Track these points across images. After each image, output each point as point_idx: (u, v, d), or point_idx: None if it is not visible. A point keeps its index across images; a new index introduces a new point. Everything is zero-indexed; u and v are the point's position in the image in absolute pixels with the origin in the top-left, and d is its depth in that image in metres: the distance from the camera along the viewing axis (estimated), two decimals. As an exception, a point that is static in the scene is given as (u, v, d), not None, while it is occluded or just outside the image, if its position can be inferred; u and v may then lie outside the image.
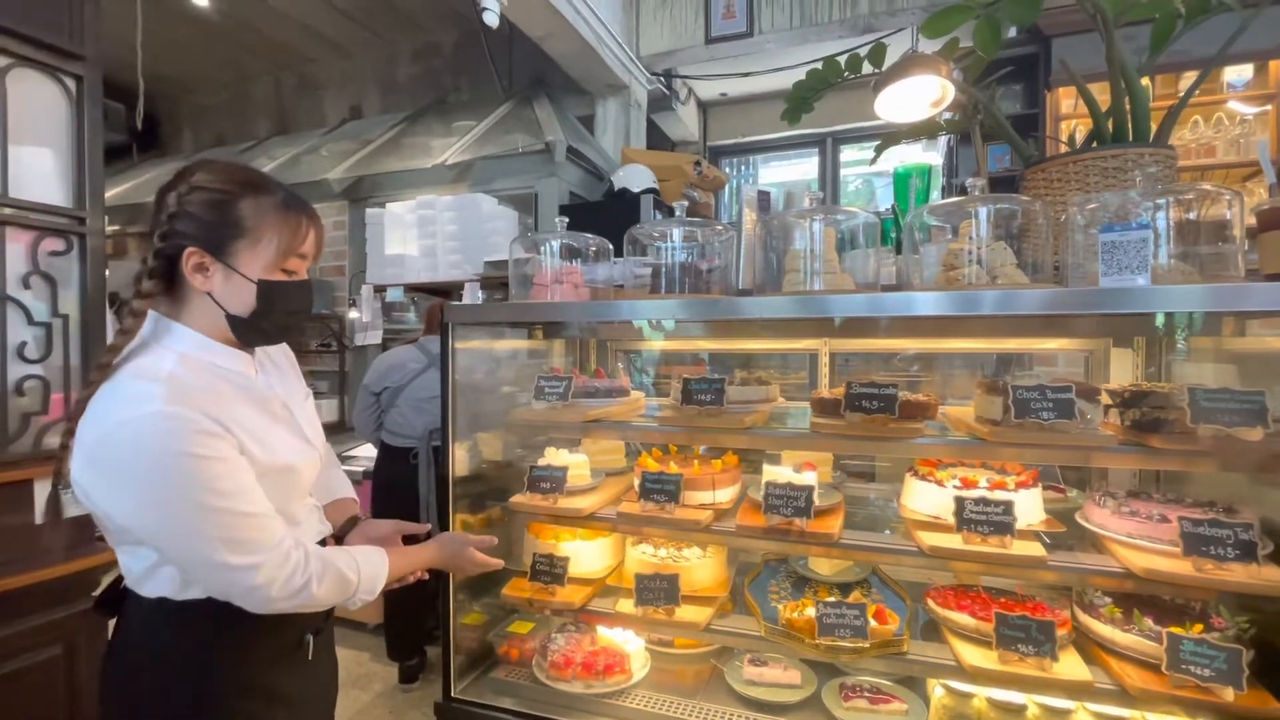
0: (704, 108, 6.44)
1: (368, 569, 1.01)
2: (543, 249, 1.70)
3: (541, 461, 1.71)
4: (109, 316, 1.90)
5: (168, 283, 0.92)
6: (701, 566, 1.63)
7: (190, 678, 0.92)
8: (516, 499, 1.68)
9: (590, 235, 1.78)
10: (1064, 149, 1.54)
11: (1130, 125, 1.47)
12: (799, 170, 6.77)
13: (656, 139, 5.52)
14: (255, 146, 5.50)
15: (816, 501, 1.42)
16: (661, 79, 5.15)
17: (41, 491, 1.63)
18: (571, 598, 1.62)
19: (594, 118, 4.75)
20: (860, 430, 1.37)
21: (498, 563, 1.30)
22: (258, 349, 1.08)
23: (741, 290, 1.62)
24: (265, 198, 0.93)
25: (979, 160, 1.84)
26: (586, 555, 1.73)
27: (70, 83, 1.73)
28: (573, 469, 1.69)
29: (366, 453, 3.54)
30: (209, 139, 6.16)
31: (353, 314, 4.08)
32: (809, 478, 1.50)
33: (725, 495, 1.61)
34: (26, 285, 1.64)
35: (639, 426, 1.62)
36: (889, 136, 2.06)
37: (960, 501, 1.33)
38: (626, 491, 1.76)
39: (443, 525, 1.69)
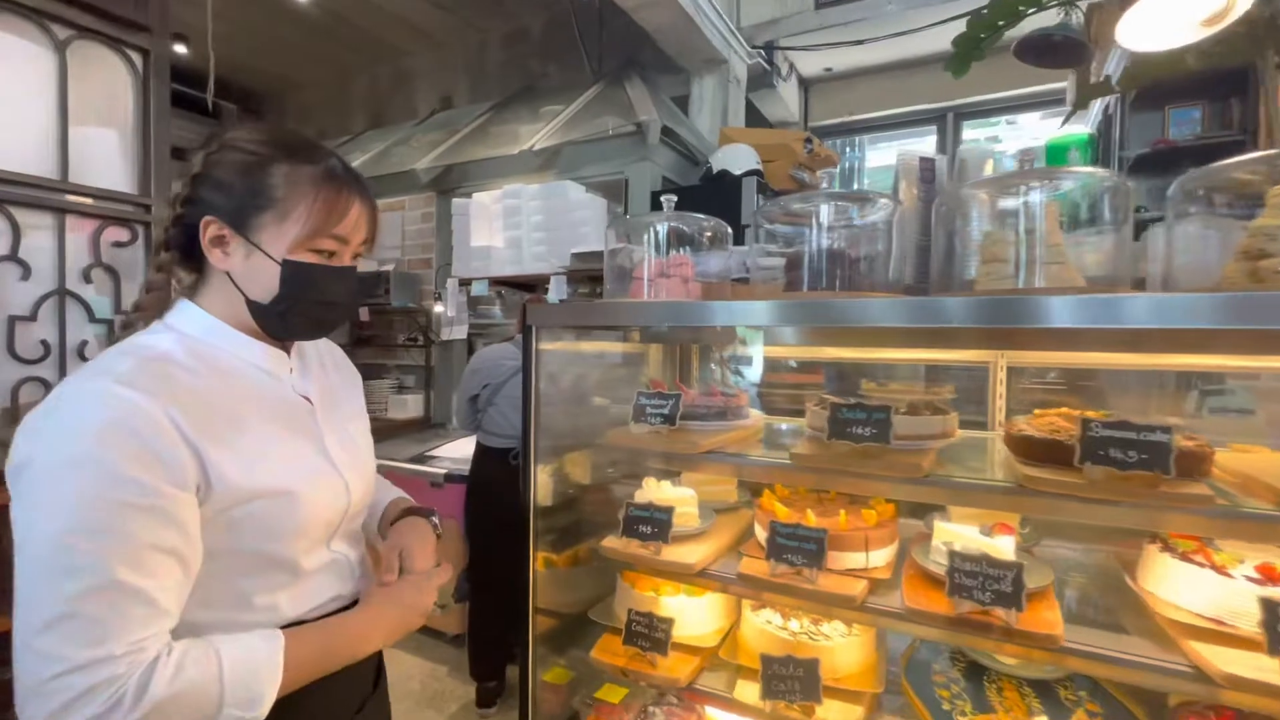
0: (805, 85, 5.92)
1: (237, 677, 0.66)
2: (645, 235, 1.38)
3: (639, 497, 1.39)
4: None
5: (188, 256, 0.80)
6: (847, 648, 1.25)
7: None
8: (610, 543, 1.37)
9: (703, 216, 1.43)
10: None
11: None
12: (911, 151, 6.11)
13: (752, 120, 5.08)
14: (351, 141, 5.55)
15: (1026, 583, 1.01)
16: (762, 53, 4.72)
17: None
18: (676, 672, 1.29)
19: (688, 98, 4.40)
20: (1111, 492, 0.94)
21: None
22: (305, 347, 0.90)
23: (908, 287, 1.22)
24: (305, 166, 0.77)
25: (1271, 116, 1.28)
26: (692, 614, 1.40)
27: (136, 57, 1.59)
28: (678, 508, 1.36)
29: (450, 453, 3.39)
30: (311, 134, 6.31)
31: (438, 308, 3.96)
32: (1006, 546, 1.08)
33: (881, 557, 1.22)
34: (88, 279, 1.51)
35: (769, 464, 1.24)
36: (1093, 87, 1.57)
37: (1273, 608, 0.88)
38: (745, 540, 1.41)
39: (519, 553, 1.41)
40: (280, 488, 0.74)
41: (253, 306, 0.77)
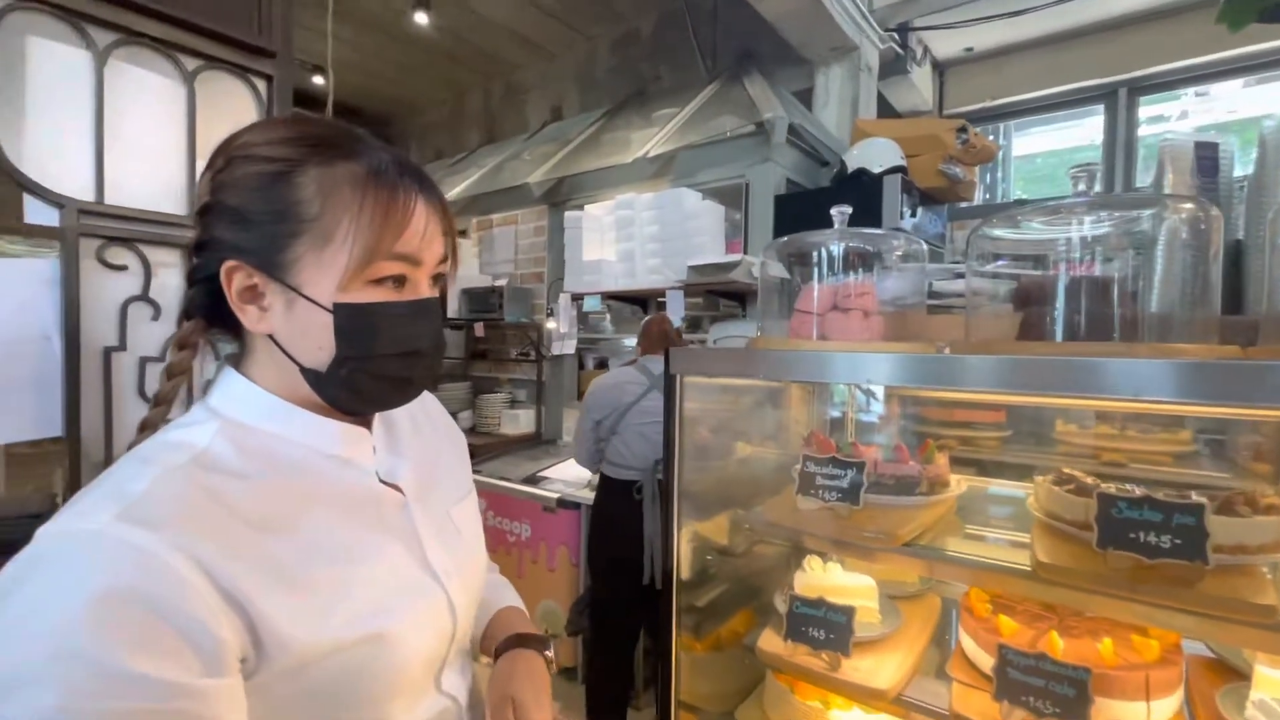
0: (940, 69, 5.37)
1: None
2: (814, 258, 1.10)
3: (802, 584, 1.12)
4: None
5: (221, 319, 0.58)
6: (1108, 825, 0.91)
7: None
8: (770, 645, 1.11)
9: (884, 232, 1.14)
10: None
11: None
12: (1069, 136, 5.36)
13: (881, 112, 4.64)
14: (467, 157, 5.68)
15: None
16: (895, 36, 4.26)
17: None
18: (857, 819, 1.01)
19: (810, 92, 4.05)
20: None
21: None
22: (385, 416, 0.68)
23: (1224, 334, 0.85)
24: (341, 165, 0.54)
25: None
26: (870, 734, 1.11)
27: (260, 84, 1.53)
28: (856, 602, 1.07)
29: (562, 474, 3.28)
30: (430, 154, 6.57)
31: (550, 323, 3.89)
32: None
33: (1167, 708, 0.87)
34: (214, 316, 1.47)
35: (1002, 571, 0.91)
36: None
37: None
38: (939, 641, 1.09)
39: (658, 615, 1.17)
40: (366, 632, 0.53)
41: (309, 376, 0.56)
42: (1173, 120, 4.82)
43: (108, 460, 1.32)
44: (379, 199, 0.54)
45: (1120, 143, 4.79)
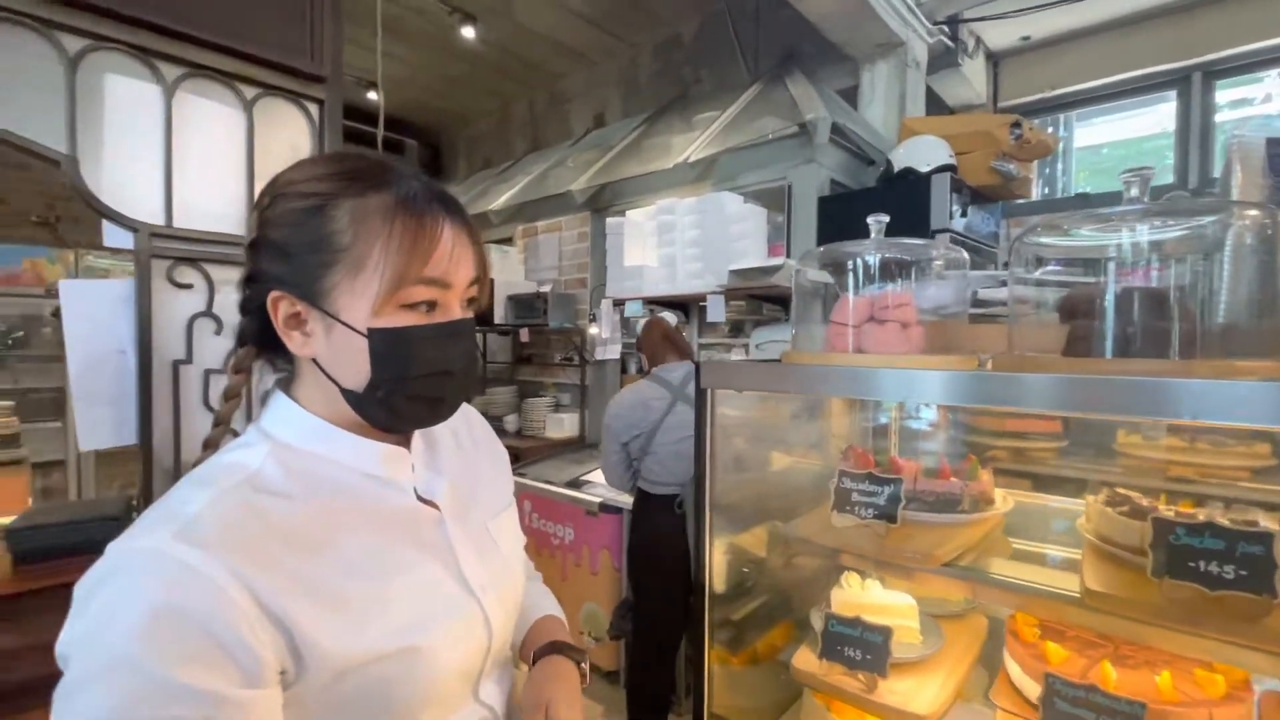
0: (994, 60, 5.15)
1: None
2: (849, 265, 1.08)
3: (839, 601, 1.09)
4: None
5: (272, 345, 0.62)
6: None
7: None
8: (805, 664, 1.09)
9: (924, 242, 1.10)
10: None
11: None
12: (1137, 125, 5.04)
13: (930, 108, 4.48)
14: (513, 165, 5.80)
15: None
16: (944, 29, 4.12)
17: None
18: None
19: (856, 90, 3.95)
20: None
21: None
22: (433, 428, 0.71)
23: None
24: (373, 196, 0.57)
25: None
26: (912, 759, 1.07)
27: (313, 108, 1.61)
28: (894, 622, 1.04)
29: (603, 478, 3.30)
30: (479, 163, 6.74)
31: (592, 329, 3.93)
32: None
33: (1234, 747, 0.81)
34: (271, 331, 1.55)
35: (1046, 595, 0.86)
36: None
37: None
38: (984, 663, 1.05)
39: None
40: (401, 645, 0.55)
41: (349, 397, 0.59)
42: (1256, 104, 4.49)
43: (177, 466, 1.41)
44: (407, 225, 0.57)
45: (1195, 130, 4.49)
